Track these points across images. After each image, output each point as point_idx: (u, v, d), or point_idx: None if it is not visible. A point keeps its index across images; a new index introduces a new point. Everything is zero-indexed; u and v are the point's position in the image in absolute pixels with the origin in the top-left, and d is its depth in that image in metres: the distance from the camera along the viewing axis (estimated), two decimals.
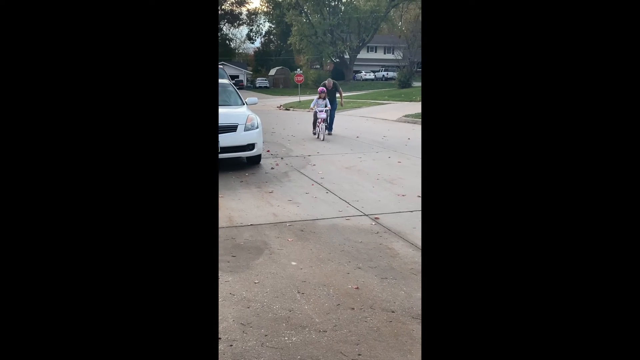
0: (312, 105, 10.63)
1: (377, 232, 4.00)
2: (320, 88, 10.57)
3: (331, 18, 42.22)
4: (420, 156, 7.73)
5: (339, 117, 16.36)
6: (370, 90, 31.18)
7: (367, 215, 4.52)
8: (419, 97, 20.82)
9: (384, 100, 22.38)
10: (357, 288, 2.91)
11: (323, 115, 10.21)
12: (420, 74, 36.28)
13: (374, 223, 4.27)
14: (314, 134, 10.65)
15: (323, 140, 9.91)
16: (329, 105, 10.45)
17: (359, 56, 45.52)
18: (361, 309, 2.64)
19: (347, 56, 44.39)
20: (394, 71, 40.36)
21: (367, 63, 50.18)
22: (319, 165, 7.17)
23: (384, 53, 52.20)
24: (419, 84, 30.52)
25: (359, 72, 47.78)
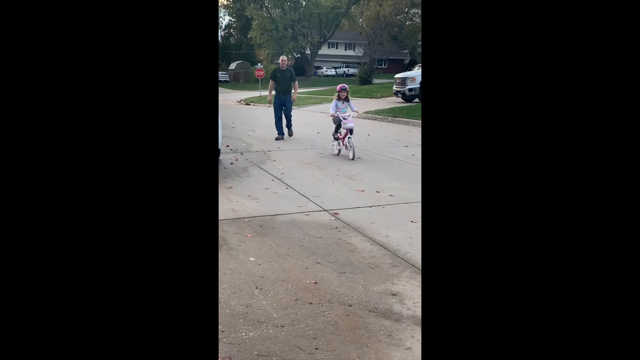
0: (331, 111, 7.79)
1: (337, 227, 4.03)
2: (340, 85, 7.85)
3: (292, 13, 42.05)
4: (379, 152, 7.84)
5: (299, 112, 16.32)
6: (332, 86, 31.24)
7: (326, 210, 4.54)
8: (380, 94, 21.05)
9: None
10: (316, 283, 2.92)
11: (351, 124, 7.27)
12: (380, 71, 36.42)
13: (333, 218, 4.29)
14: (333, 144, 7.81)
15: (353, 159, 7.10)
16: (355, 109, 7.75)
17: (320, 52, 45.57)
18: (319, 303, 2.65)
19: (308, 51, 44.34)
20: (355, 67, 40.64)
21: (329, 59, 50.31)
22: (279, 161, 7.14)
23: (345, 49, 52.46)
24: (380, 80, 30.85)
25: (320, 67, 47.84)
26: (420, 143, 9.02)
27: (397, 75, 18.56)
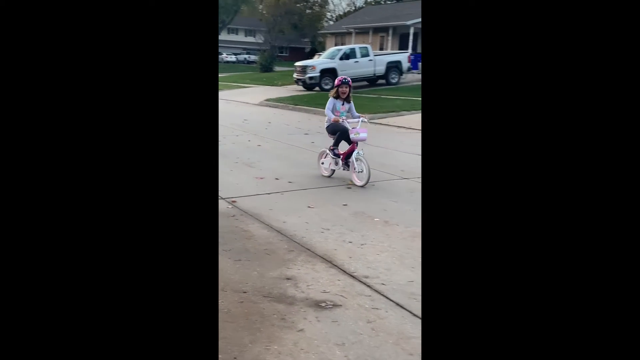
0: (328, 114, 5.27)
1: (234, 215, 3.98)
2: (339, 78, 5.35)
3: None
4: (280, 139, 7.86)
5: None
6: (232, 73, 30.63)
7: (224, 198, 4.46)
8: (281, 82, 21.05)
9: (246, 83, 22.20)
10: None
11: (364, 134, 5.05)
12: (281, 59, 36.20)
13: (230, 206, 4.23)
14: (322, 162, 5.48)
15: (364, 186, 4.93)
16: (355, 113, 5.37)
17: (220, 37, 44.36)
18: None
19: None
20: (256, 54, 40.18)
21: (229, 45, 49.19)
22: None
23: (245, 36, 51.66)
24: (281, 68, 30.80)
25: (221, 53, 46.60)
26: (320, 131, 9.19)
27: (297, 64, 18.66)
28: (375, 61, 18.13)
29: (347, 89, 5.25)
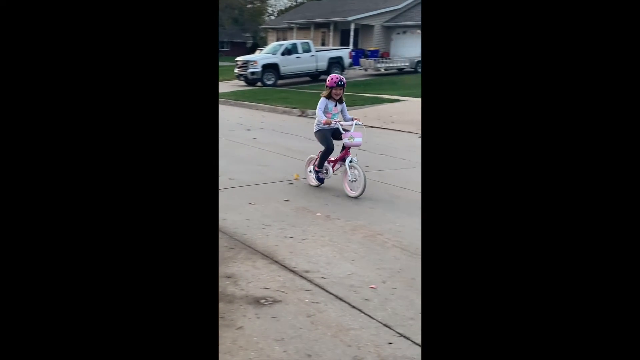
0: (320, 115, 4.61)
1: None
2: (334, 77, 4.65)
3: None
4: (221, 135, 7.74)
5: None
6: None
7: None
8: (222, 77, 20.68)
9: None
10: None
11: (358, 139, 4.54)
12: (222, 54, 35.39)
13: None
14: (318, 174, 4.75)
15: (358, 197, 4.39)
16: (347, 116, 4.83)
17: None
18: None
19: None
20: None
21: None
22: None
23: None
24: (222, 63, 30.19)
25: None
26: (262, 126, 9.13)
27: (239, 58, 18.41)
28: (317, 57, 18.21)
29: (341, 91, 4.63)
